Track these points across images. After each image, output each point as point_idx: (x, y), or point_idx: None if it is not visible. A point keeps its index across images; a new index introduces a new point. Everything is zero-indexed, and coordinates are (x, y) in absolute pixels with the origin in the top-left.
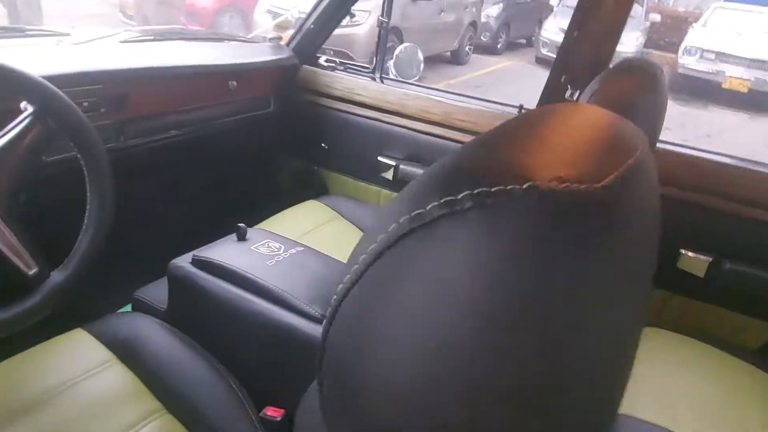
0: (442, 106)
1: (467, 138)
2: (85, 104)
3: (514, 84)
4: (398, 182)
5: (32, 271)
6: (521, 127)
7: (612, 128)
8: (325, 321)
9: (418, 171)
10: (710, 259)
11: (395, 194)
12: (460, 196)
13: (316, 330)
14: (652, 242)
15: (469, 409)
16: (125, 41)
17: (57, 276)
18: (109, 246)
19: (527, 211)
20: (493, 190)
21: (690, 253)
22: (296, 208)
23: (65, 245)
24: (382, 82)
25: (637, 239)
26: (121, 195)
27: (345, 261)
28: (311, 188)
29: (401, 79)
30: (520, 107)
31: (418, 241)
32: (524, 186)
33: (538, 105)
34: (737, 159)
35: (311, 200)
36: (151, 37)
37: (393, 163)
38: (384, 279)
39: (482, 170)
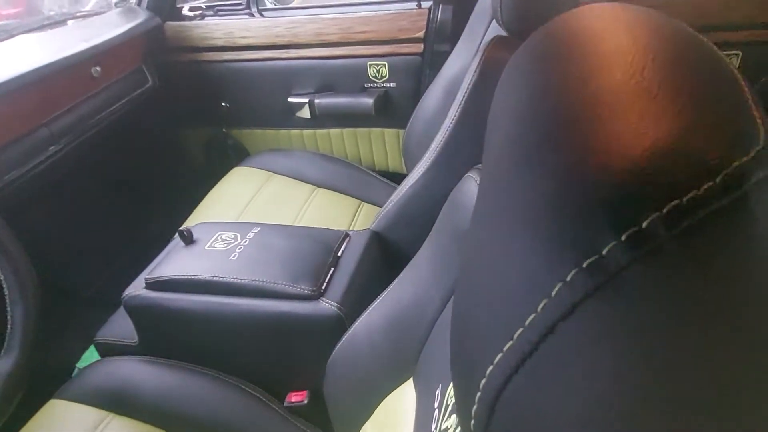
0: (336, 23)
1: (374, 50)
2: None
3: None
4: (318, 118)
5: None
6: (612, 75)
7: (698, 41)
8: (477, 415)
9: (336, 100)
10: None
11: (319, 131)
12: (645, 224)
13: (311, 308)
14: None
15: None
16: None
17: (5, 364)
18: (43, 296)
19: (739, 210)
20: (685, 201)
21: None
22: (225, 181)
23: None
24: (262, 15)
25: None
26: (27, 239)
27: (302, 222)
28: (229, 154)
29: (282, 6)
30: (418, 2)
31: (605, 303)
32: (719, 179)
33: None
34: None
35: (237, 167)
36: None
37: (305, 100)
38: (563, 359)
39: (654, 173)
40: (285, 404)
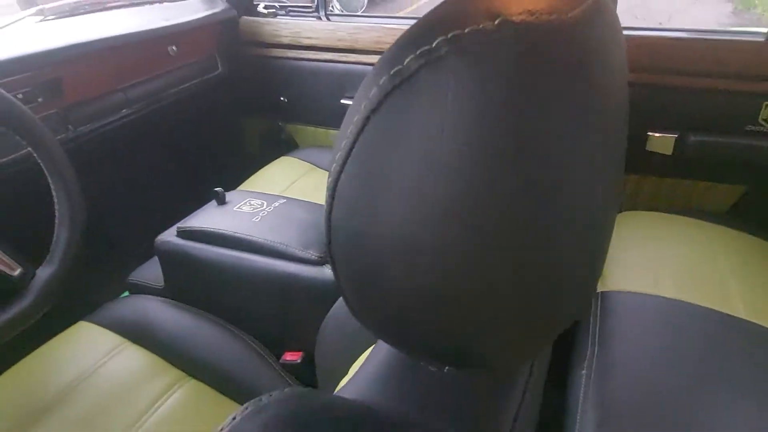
0: (395, 34)
1: None
2: (20, 96)
3: None
4: None
5: (17, 273)
6: None
7: None
8: (326, 203)
9: None
10: (676, 136)
11: None
12: (435, 44)
13: (316, 272)
14: (622, 94)
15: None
16: (44, 20)
17: (44, 272)
18: (93, 237)
19: (502, 47)
20: (466, 31)
21: (657, 134)
22: (270, 166)
23: (44, 241)
24: (329, 19)
25: (608, 78)
26: (90, 186)
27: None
28: (280, 146)
29: (348, 13)
30: None
31: (401, 98)
32: (496, 22)
33: None
34: (689, 31)
35: (283, 156)
36: (69, 13)
37: None
38: (375, 145)
39: (452, 15)
40: (280, 362)
